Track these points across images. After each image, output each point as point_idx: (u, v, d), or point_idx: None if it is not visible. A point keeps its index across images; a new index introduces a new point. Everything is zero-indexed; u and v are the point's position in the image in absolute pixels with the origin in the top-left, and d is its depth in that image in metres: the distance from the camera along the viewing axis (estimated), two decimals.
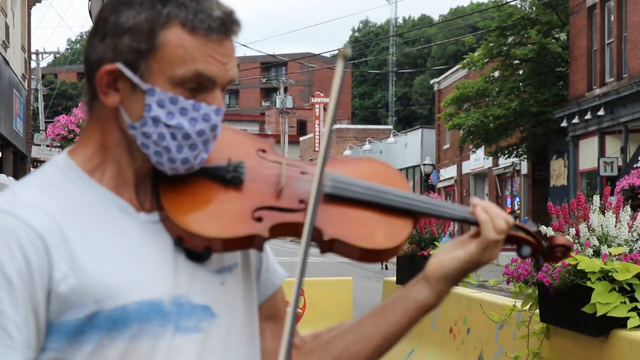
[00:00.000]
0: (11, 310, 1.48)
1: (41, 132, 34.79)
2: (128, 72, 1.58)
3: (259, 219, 1.63)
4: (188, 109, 1.58)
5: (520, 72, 31.49)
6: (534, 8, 31.80)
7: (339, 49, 1.63)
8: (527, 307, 5.13)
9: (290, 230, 1.66)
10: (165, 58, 1.56)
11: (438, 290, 1.72)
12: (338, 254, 1.68)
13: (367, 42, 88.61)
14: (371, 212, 1.70)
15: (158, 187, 1.66)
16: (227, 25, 1.59)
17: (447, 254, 1.74)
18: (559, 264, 4.49)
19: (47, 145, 25.67)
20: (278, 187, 1.67)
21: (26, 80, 28.15)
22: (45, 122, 42.36)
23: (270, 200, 1.66)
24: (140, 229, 1.61)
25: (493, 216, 1.71)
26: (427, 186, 43.12)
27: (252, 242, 1.63)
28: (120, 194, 1.62)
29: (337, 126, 65.86)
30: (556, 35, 31.18)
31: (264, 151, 1.75)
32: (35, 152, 29.25)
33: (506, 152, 32.81)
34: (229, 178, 1.66)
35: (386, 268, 25.20)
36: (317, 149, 62.13)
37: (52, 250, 1.50)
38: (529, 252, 1.76)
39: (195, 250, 1.62)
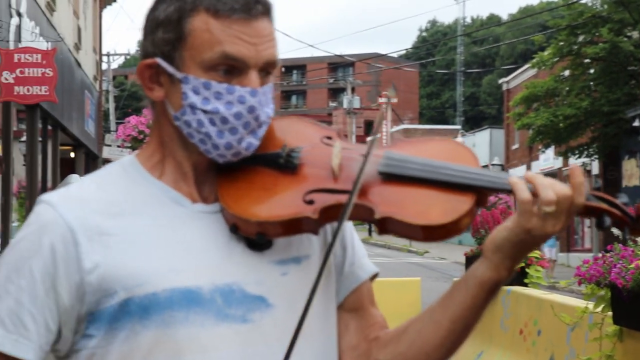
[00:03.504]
0: (29, 302, 1.56)
1: (112, 132, 35.34)
2: (164, 64, 1.63)
3: (310, 202, 1.62)
4: (222, 92, 1.61)
5: (591, 71, 31.02)
6: (606, 6, 31.26)
7: (371, 138, 1.63)
8: (600, 309, 5.04)
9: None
10: (194, 45, 1.60)
11: (494, 263, 1.64)
12: (396, 235, 1.64)
13: (434, 41, 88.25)
14: (429, 189, 1.63)
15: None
16: (250, 4, 1.61)
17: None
18: (632, 265, 4.40)
19: (118, 146, 26.06)
20: (332, 169, 1.66)
21: (97, 81, 28.64)
22: (116, 123, 43.00)
23: (324, 183, 1.65)
24: (193, 219, 1.63)
25: (538, 186, 1.63)
26: None
27: (302, 225, 1.62)
28: (179, 188, 1.66)
29: (404, 126, 65.84)
30: (628, 34, 30.64)
31: (329, 138, 1.74)
32: (106, 153, 29.71)
33: (576, 152, 32.36)
34: (282, 163, 1.67)
35: None
36: None
37: (82, 242, 1.57)
38: (609, 224, 1.63)
39: (250, 237, 1.62)
